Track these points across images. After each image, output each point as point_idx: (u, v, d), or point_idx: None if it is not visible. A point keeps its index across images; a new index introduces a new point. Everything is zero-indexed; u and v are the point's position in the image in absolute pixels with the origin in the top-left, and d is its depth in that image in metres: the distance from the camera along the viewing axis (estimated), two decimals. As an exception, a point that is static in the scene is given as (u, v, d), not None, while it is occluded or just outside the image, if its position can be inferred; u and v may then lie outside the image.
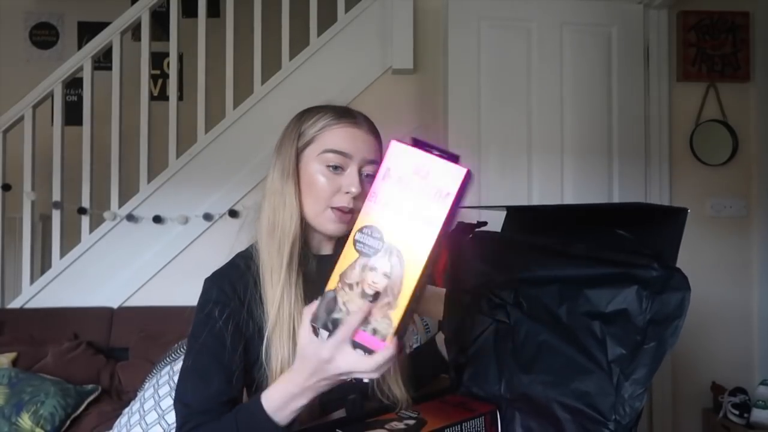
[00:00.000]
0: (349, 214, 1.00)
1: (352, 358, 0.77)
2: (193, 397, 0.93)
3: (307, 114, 1.04)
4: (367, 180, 1.00)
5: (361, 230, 0.75)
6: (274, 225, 0.99)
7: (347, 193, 0.99)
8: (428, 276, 0.75)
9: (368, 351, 0.76)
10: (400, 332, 0.75)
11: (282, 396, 0.85)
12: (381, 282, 0.73)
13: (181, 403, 0.94)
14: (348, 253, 0.76)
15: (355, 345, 0.76)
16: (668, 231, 0.84)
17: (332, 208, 1.00)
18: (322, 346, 0.78)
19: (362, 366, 0.77)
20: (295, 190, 1.00)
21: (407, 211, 0.73)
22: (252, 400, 0.88)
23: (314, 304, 0.80)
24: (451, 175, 0.72)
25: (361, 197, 0.98)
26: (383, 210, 0.75)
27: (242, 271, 1.00)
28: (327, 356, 0.78)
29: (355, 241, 0.76)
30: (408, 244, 0.73)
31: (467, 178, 0.71)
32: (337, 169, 0.99)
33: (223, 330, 0.95)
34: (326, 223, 1.01)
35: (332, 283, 0.77)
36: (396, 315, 0.73)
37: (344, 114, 1.02)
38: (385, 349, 0.75)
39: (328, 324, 0.77)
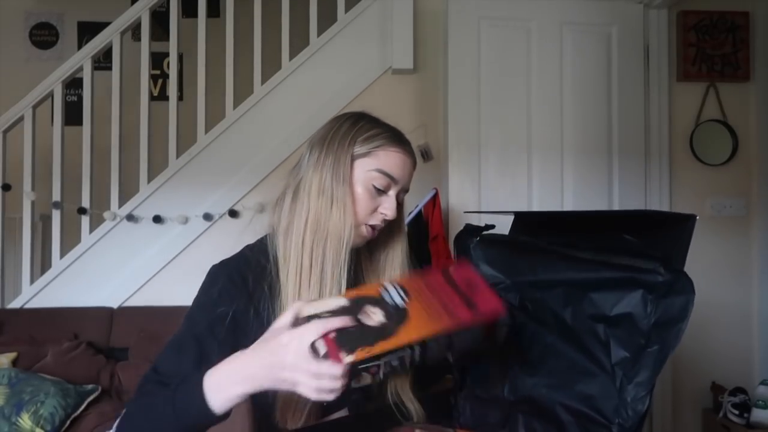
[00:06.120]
0: (377, 232, 1.03)
1: (302, 355, 0.75)
2: (163, 366, 0.93)
3: (364, 124, 1.03)
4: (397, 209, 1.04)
5: (395, 285, 0.84)
6: (321, 227, 0.98)
7: (382, 213, 1.01)
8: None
9: (323, 356, 0.76)
10: (359, 362, 0.76)
11: (225, 374, 0.81)
12: (377, 320, 0.79)
13: (153, 365, 0.95)
14: (371, 288, 0.84)
15: (315, 345, 0.76)
16: (676, 237, 0.84)
17: (366, 225, 1.01)
18: (287, 332, 0.78)
19: (305, 367, 0.75)
20: (351, 199, 0.99)
21: (439, 302, 0.83)
22: (195, 375, 0.83)
23: (311, 303, 0.82)
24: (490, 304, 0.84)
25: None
26: (424, 290, 0.84)
27: (253, 265, 0.99)
28: (285, 341, 0.77)
29: (384, 287, 0.83)
30: (420, 317, 0.80)
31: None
32: (380, 190, 1.01)
33: (218, 320, 0.94)
34: (356, 236, 1.01)
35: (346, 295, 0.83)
36: (367, 350, 0.76)
37: (399, 139, 1.04)
38: (335, 365, 0.75)
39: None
